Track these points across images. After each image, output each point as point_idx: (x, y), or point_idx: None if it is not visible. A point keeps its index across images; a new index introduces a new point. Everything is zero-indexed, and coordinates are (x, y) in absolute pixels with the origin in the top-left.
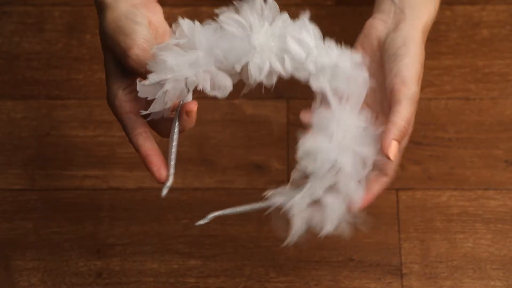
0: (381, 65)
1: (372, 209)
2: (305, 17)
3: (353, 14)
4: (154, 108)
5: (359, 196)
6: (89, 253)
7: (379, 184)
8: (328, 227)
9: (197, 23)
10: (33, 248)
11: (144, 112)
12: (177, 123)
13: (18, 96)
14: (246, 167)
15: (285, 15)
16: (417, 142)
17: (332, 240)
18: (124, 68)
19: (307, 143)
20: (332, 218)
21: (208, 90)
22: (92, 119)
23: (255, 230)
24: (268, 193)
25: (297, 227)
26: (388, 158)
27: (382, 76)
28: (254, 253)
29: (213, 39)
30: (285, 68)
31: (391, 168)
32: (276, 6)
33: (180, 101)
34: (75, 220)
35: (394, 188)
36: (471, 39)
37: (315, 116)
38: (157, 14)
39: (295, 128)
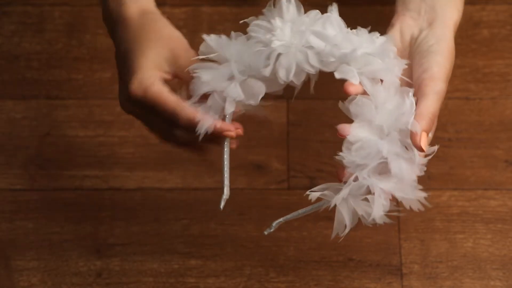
0: (409, 60)
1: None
2: (332, 10)
3: (353, 14)
4: (204, 126)
5: (417, 165)
6: (89, 253)
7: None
8: (376, 215)
9: (223, 36)
10: (33, 248)
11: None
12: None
13: (18, 96)
14: (246, 167)
15: (314, 12)
16: None
17: (332, 240)
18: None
19: (353, 135)
20: (379, 205)
21: (244, 99)
22: (92, 119)
23: (255, 230)
24: (315, 194)
25: (345, 219)
26: (421, 150)
27: (409, 71)
28: (254, 253)
29: (242, 49)
30: (311, 64)
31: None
32: (299, 4)
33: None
34: (75, 220)
35: None
36: (471, 39)
37: (353, 105)
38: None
39: (295, 128)
